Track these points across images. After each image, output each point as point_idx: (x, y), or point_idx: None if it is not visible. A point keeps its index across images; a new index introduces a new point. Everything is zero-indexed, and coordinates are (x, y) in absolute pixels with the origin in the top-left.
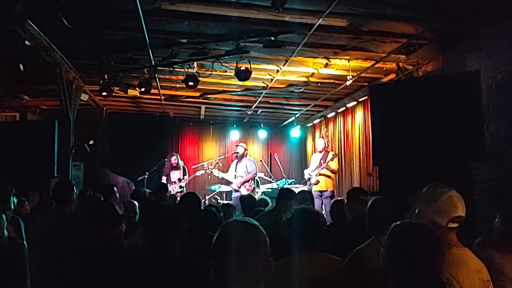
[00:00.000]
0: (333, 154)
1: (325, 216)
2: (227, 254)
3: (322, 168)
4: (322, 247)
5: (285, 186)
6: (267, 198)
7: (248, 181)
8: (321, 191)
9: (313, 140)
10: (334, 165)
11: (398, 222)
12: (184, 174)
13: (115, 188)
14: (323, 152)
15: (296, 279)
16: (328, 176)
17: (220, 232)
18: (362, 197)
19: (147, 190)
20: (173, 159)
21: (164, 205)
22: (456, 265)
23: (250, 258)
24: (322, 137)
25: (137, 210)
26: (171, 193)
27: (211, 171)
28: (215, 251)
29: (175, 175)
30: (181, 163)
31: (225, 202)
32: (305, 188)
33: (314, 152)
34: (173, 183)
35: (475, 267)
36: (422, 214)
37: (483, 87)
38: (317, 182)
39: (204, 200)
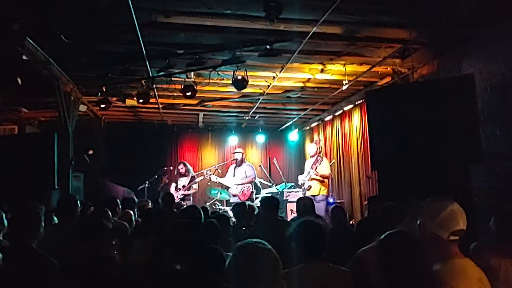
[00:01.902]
0: (320, 157)
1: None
2: (241, 277)
3: (312, 174)
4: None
5: (268, 196)
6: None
7: (246, 184)
8: (314, 196)
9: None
10: (324, 169)
11: (383, 235)
12: (190, 181)
13: (118, 200)
14: (315, 157)
15: None
16: (321, 181)
17: (234, 255)
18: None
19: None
20: (180, 167)
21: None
22: (457, 276)
23: (262, 280)
24: (316, 143)
25: (133, 219)
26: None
27: (210, 177)
28: (229, 274)
29: (181, 181)
30: (191, 171)
31: (220, 212)
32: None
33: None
34: (178, 190)
35: (476, 277)
36: (424, 227)
37: (478, 90)
38: (309, 188)
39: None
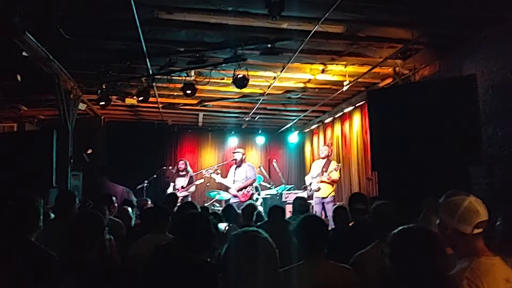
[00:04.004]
0: (337, 165)
1: (328, 220)
2: (236, 264)
3: (324, 177)
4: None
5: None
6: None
7: (246, 186)
8: (323, 198)
9: (311, 146)
10: (336, 175)
11: (396, 230)
12: (189, 183)
13: (114, 198)
14: (325, 160)
15: (302, 286)
16: (331, 185)
17: (229, 243)
18: (360, 205)
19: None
20: (180, 163)
21: None
22: (482, 275)
23: (259, 268)
24: (328, 145)
25: (132, 216)
26: None
27: (210, 175)
28: (224, 262)
29: (180, 182)
30: (190, 171)
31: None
32: (304, 194)
33: (314, 159)
34: (177, 191)
35: (503, 276)
36: (445, 225)
37: (480, 90)
38: (319, 189)
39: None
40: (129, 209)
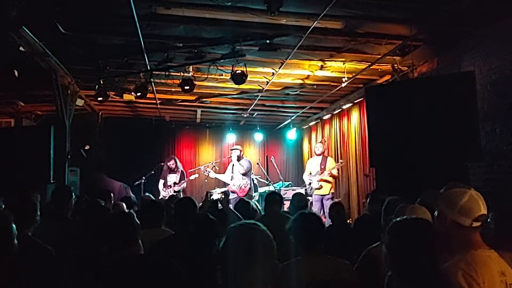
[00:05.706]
0: (340, 162)
1: (325, 217)
2: (235, 257)
3: (325, 175)
4: (324, 249)
5: (272, 191)
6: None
7: (247, 172)
8: (323, 195)
9: (309, 142)
10: (335, 171)
11: (396, 219)
12: (181, 179)
13: (112, 194)
14: (321, 157)
15: (301, 281)
16: (329, 181)
17: (227, 236)
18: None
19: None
20: (171, 163)
21: None
22: (477, 267)
23: (257, 261)
24: (322, 142)
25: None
26: (164, 196)
27: (208, 174)
28: (222, 255)
29: (171, 178)
30: (180, 167)
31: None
32: (301, 190)
33: (312, 155)
34: (169, 187)
35: (498, 270)
36: (443, 216)
37: (478, 87)
38: (320, 187)
39: (200, 204)
40: (124, 205)
